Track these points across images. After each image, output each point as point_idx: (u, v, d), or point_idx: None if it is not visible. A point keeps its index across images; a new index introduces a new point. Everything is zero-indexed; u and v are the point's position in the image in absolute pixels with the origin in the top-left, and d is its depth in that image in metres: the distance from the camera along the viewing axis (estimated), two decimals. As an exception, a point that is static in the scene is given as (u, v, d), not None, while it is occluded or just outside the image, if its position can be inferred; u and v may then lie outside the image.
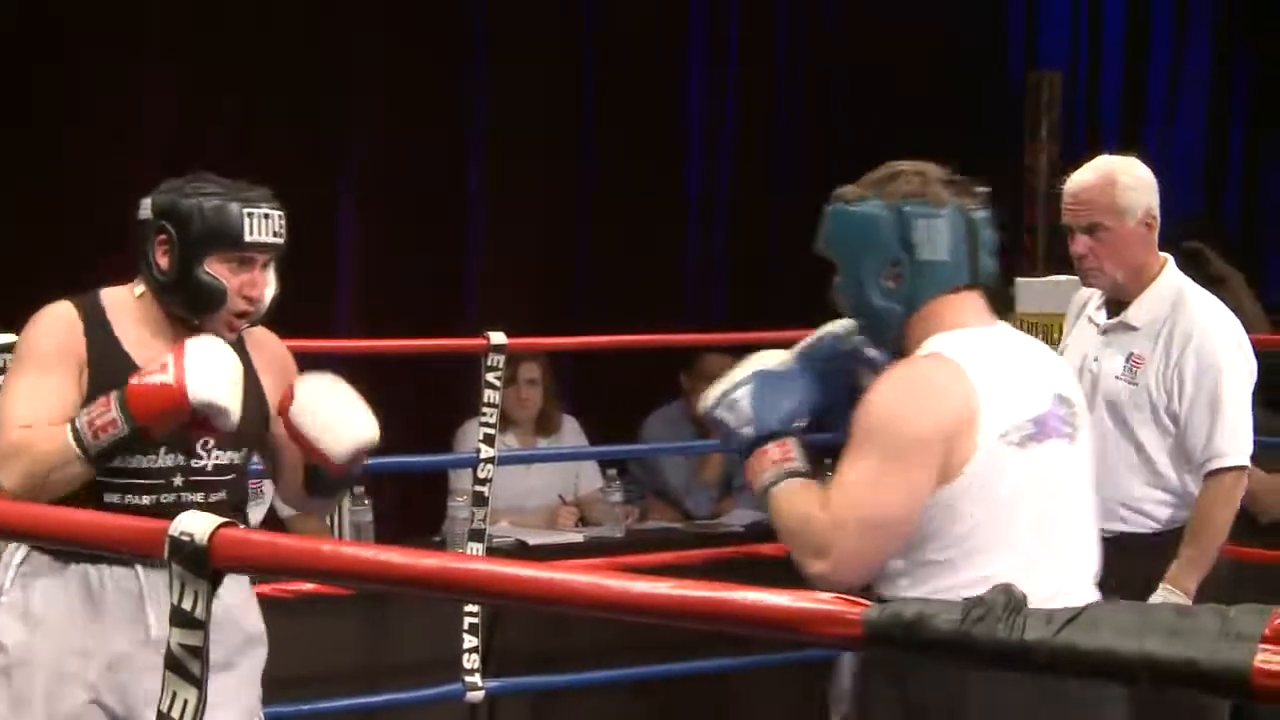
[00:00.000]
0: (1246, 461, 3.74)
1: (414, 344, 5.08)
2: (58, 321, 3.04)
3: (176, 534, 1.74)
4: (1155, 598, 3.61)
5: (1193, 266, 5.88)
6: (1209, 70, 7.23)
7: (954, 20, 7.25)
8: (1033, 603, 1.44)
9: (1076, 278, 4.72)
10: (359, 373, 3.22)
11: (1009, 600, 1.42)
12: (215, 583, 1.74)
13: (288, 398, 3.08)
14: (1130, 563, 3.46)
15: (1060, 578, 2.65)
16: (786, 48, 7.31)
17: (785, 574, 2.41)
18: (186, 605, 1.74)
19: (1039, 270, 6.31)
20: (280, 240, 3.05)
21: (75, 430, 2.92)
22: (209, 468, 3.06)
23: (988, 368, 2.63)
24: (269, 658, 3.16)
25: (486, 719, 4.87)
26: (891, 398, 2.62)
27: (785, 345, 2.85)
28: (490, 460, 4.67)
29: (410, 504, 5.89)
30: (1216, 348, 3.71)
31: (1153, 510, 3.77)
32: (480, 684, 4.65)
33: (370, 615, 4.78)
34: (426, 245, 6.61)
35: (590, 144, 7.02)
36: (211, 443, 3.05)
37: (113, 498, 2.99)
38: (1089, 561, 2.76)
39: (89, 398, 2.97)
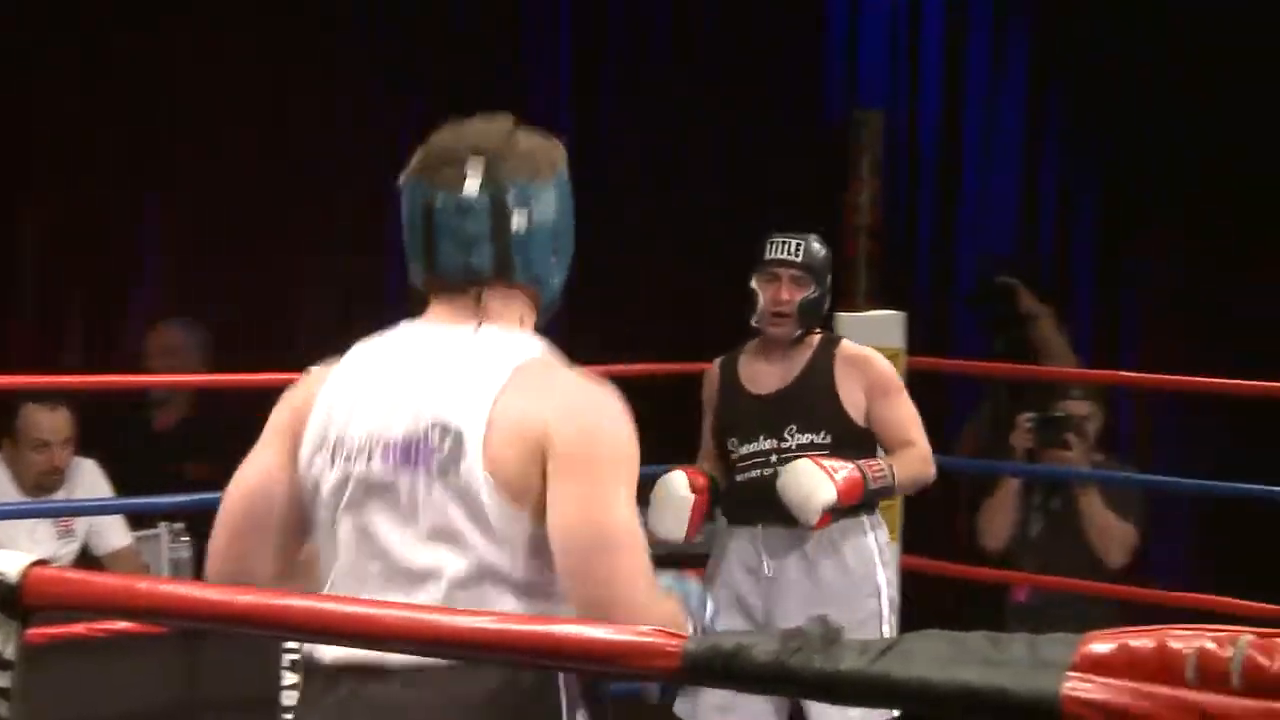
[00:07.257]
0: None
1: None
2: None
3: (-14, 572, 1.70)
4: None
5: (1004, 303, 6.02)
6: (1024, 109, 7.34)
7: (775, 57, 7.28)
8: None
9: (898, 313, 4.75)
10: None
11: (826, 631, 1.44)
12: (26, 622, 1.70)
13: None
14: None
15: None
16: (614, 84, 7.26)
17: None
18: (-4, 646, 1.70)
19: (860, 306, 6.37)
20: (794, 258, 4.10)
21: None
22: (793, 448, 4.03)
23: (348, 376, 2.25)
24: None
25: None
26: None
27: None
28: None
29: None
30: None
31: None
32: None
33: (186, 654, 4.69)
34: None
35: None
36: (795, 427, 4.06)
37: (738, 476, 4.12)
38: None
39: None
